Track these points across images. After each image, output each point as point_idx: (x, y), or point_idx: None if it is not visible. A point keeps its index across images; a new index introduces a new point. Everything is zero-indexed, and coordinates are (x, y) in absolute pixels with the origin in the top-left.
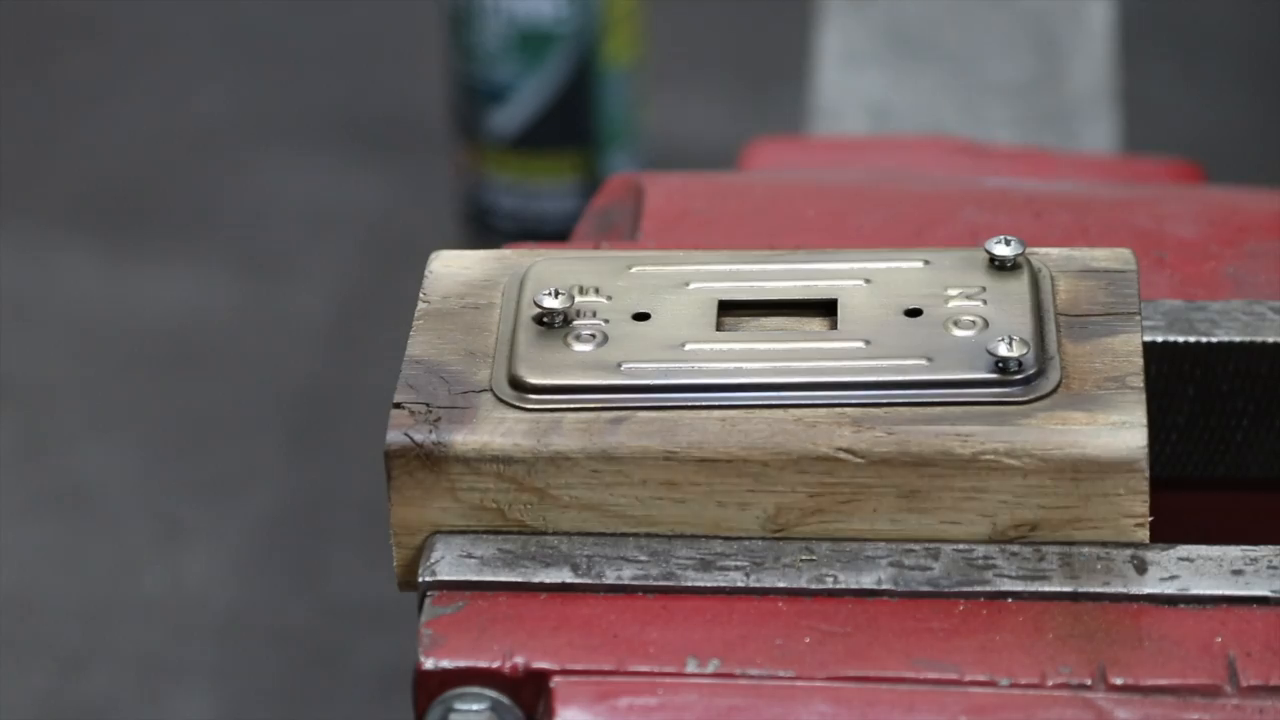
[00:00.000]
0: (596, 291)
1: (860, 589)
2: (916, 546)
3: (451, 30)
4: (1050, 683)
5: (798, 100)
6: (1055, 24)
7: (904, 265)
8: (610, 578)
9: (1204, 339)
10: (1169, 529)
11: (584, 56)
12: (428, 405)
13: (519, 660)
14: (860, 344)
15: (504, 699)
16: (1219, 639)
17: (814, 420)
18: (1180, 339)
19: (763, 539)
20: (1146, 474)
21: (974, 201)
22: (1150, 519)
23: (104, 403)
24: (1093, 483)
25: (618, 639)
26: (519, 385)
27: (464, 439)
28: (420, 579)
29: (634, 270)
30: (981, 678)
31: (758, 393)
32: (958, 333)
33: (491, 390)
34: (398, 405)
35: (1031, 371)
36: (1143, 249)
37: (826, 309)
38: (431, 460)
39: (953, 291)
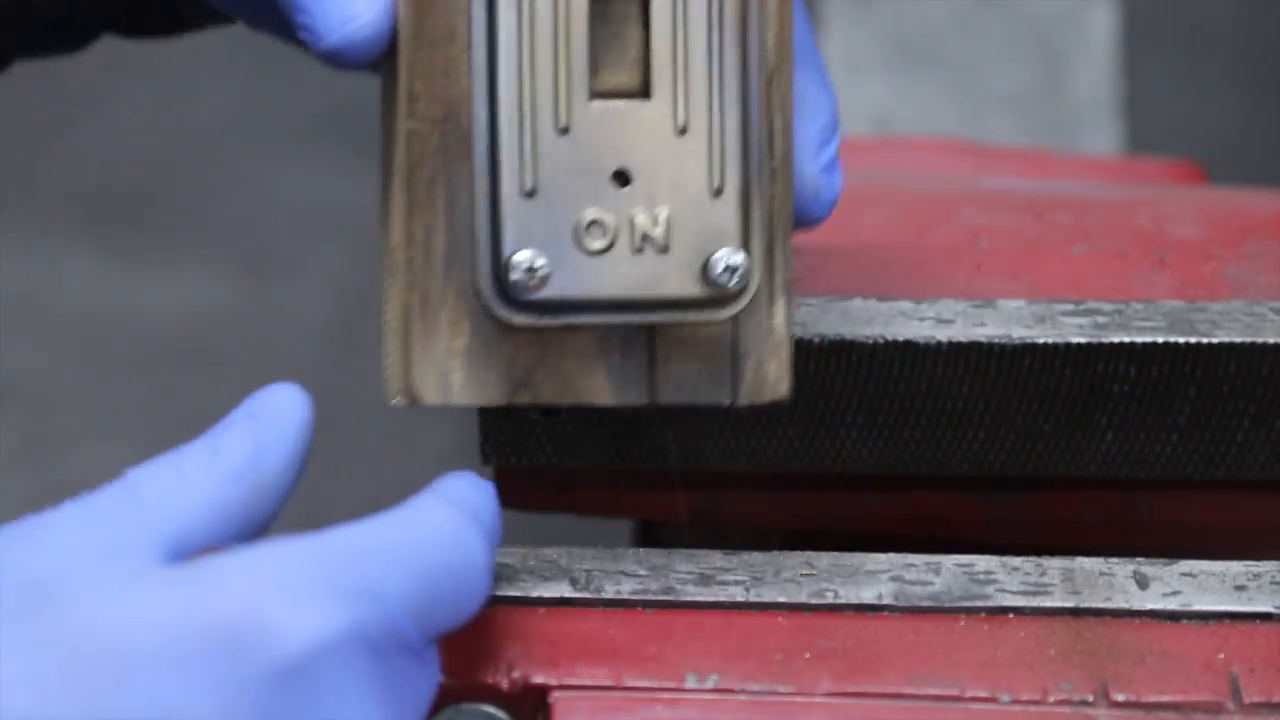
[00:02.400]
0: None
1: (861, 604)
2: (918, 561)
3: None
4: (1052, 699)
5: None
6: (1058, 32)
7: None
8: (609, 592)
9: (1204, 340)
10: (1169, 531)
11: None
12: None
13: (518, 675)
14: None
15: (503, 713)
16: (1221, 655)
17: None
18: (1180, 340)
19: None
20: None
21: (975, 202)
22: None
23: (104, 403)
24: None
25: (617, 653)
26: None
27: None
28: None
29: None
30: (982, 694)
31: None
32: None
33: None
34: None
35: None
36: (1143, 249)
37: None
38: None
39: None
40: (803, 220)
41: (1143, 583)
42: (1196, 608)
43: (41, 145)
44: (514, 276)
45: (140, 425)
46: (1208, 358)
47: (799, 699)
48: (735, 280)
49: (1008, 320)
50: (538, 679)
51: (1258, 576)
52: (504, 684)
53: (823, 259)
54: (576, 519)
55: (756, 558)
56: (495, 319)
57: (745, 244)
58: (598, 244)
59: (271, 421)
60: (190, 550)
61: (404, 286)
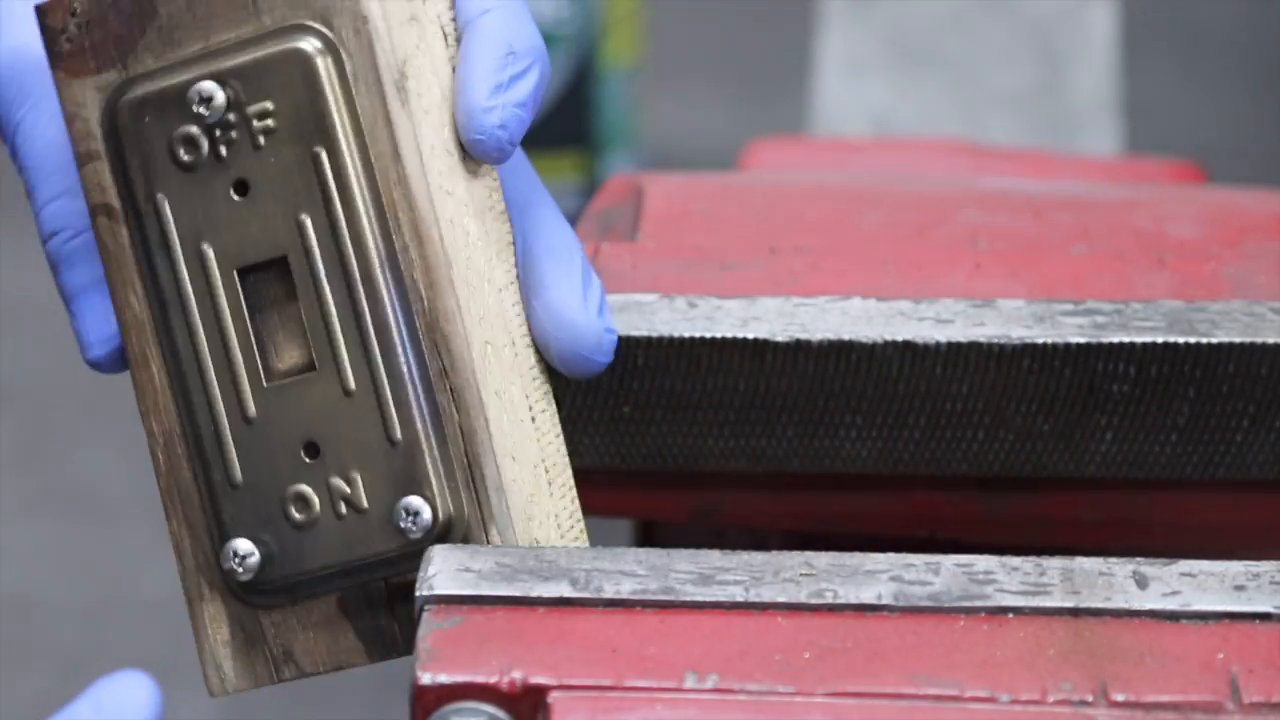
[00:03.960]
0: None
1: (860, 604)
2: (917, 561)
3: None
4: (1051, 699)
5: (798, 100)
6: (1058, 32)
7: None
8: (609, 592)
9: (1204, 340)
10: (1169, 531)
11: (584, 57)
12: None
13: (517, 675)
14: None
15: (502, 714)
16: (1221, 655)
17: None
18: (1180, 340)
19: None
20: None
21: (974, 202)
22: None
23: (104, 404)
24: None
25: (616, 654)
26: None
27: None
28: (418, 592)
29: None
30: (982, 694)
31: None
32: None
33: None
34: None
35: None
36: (1143, 249)
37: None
38: None
39: None
40: (589, 370)
41: (1142, 583)
42: (1196, 608)
43: None
44: (225, 566)
45: (140, 425)
46: (1207, 358)
47: (799, 699)
48: (419, 526)
49: (1007, 320)
50: (537, 679)
51: (1257, 576)
52: (503, 684)
53: (823, 259)
54: None
55: (756, 558)
56: (248, 606)
57: (440, 484)
58: (303, 517)
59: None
60: None
61: (183, 591)
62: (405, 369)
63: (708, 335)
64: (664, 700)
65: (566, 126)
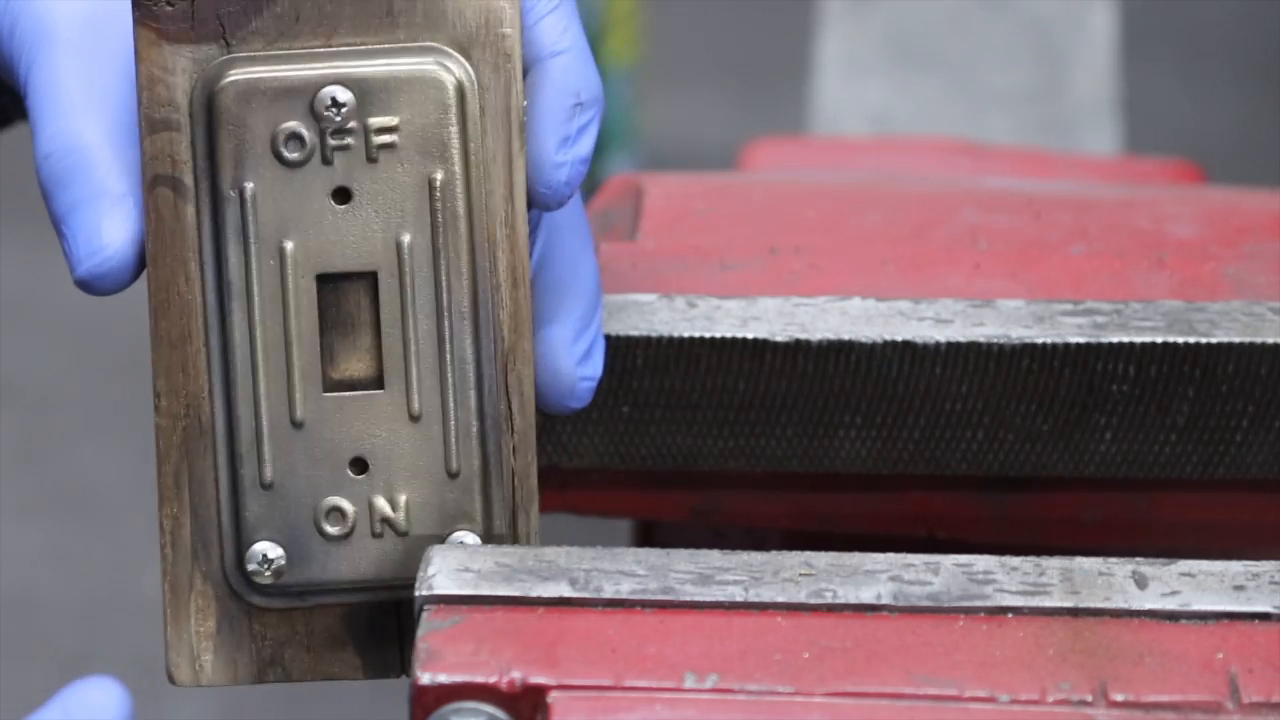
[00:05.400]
0: None
1: (860, 604)
2: (917, 561)
3: None
4: (1051, 699)
5: (797, 100)
6: (1058, 32)
7: None
8: (608, 592)
9: (1203, 340)
10: (1169, 531)
11: None
12: None
13: (516, 675)
14: None
15: (501, 714)
16: (1220, 655)
17: None
18: (1180, 340)
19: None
20: None
21: (974, 202)
22: None
23: (104, 404)
24: None
25: (616, 654)
26: None
27: None
28: (417, 592)
29: None
30: (981, 694)
31: None
32: None
33: None
34: None
35: None
36: (1143, 249)
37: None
38: None
39: None
40: (559, 410)
41: (1141, 583)
42: (1195, 607)
43: None
44: (250, 568)
45: (140, 425)
46: (1206, 358)
47: (798, 699)
48: None
49: (1006, 320)
50: (536, 679)
51: (1257, 576)
52: (502, 684)
53: (822, 259)
54: (576, 519)
55: (755, 557)
56: (243, 602)
57: (486, 522)
58: (336, 530)
59: None
60: None
61: (160, 574)
62: (477, 404)
63: (707, 335)
64: (663, 700)
65: None
